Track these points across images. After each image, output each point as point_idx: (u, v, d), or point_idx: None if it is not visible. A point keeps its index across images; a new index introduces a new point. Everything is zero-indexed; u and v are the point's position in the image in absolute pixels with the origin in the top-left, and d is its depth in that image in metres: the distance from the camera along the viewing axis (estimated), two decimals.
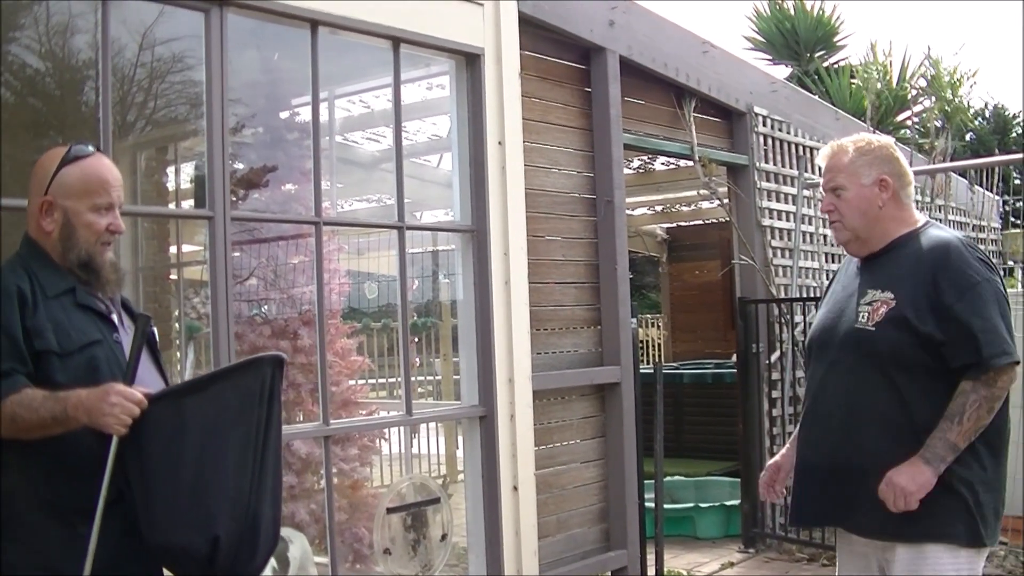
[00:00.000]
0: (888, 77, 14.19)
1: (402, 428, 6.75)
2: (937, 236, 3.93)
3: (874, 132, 7.66)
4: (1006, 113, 27.39)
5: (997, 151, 21.35)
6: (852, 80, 15.06)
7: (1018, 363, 3.72)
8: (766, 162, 9.16)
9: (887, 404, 3.81)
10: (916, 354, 3.75)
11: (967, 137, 23.89)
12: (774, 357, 8.90)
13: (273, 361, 3.38)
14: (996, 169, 11.71)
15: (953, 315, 3.69)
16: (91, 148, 3.43)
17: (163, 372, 3.63)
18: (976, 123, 25.30)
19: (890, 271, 3.92)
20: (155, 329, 3.71)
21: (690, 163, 8.64)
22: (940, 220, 10.59)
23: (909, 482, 3.66)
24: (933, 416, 3.71)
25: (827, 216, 4.16)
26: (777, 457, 4.36)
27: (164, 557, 3.28)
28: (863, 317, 3.89)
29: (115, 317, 3.43)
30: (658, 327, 18.05)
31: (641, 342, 18.20)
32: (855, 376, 3.90)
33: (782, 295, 9.04)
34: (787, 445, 4.37)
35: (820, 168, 4.22)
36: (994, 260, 4.09)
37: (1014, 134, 26.60)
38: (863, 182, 3.99)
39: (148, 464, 3.21)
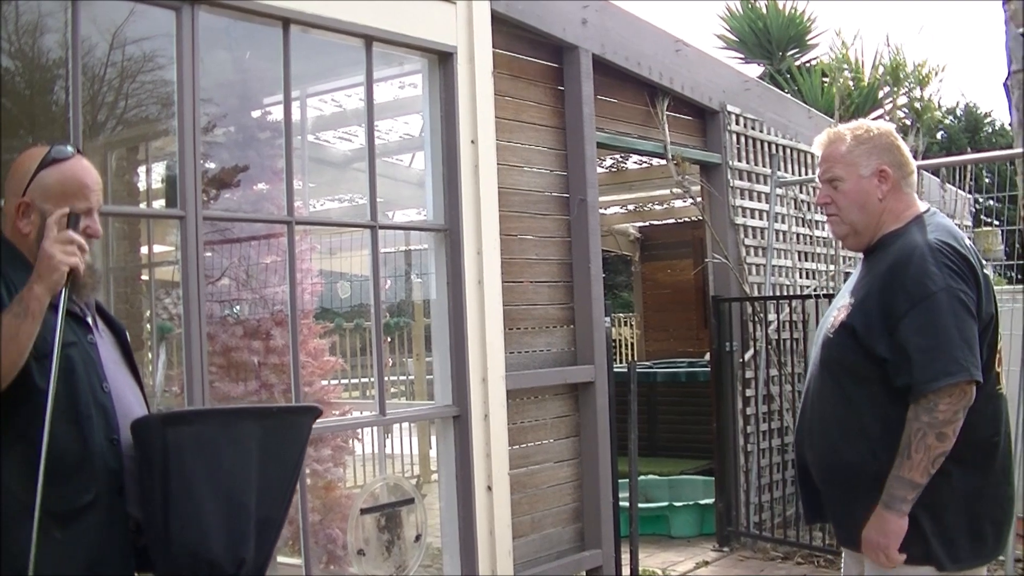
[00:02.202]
0: (859, 73, 14.22)
1: (375, 428, 6.72)
2: (910, 241, 3.68)
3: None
4: (977, 111, 27.58)
5: (969, 149, 21.45)
6: (824, 78, 15.08)
7: (967, 382, 3.46)
8: (739, 160, 9.18)
9: (841, 413, 3.72)
10: (862, 365, 3.64)
11: (939, 135, 24.02)
12: (748, 356, 8.91)
13: (318, 412, 3.78)
14: (968, 167, 11.75)
15: (898, 330, 3.52)
16: (71, 150, 3.39)
17: (137, 375, 3.63)
18: (948, 121, 25.46)
19: (865, 274, 3.80)
20: (127, 332, 3.72)
21: (663, 162, 8.65)
22: None
23: (878, 535, 3.55)
24: (883, 429, 3.60)
25: (823, 208, 3.95)
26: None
27: (186, 565, 3.30)
28: (829, 322, 3.81)
29: (89, 320, 3.41)
30: (631, 326, 18.07)
31: (614, 341, 18.25)
32: (819, 382, 3.83)
33: (755, 293, 9.05)
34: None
35: (816, 156, 3.98)
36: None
37: (984, 132, 26.79)
38: (862, 173, 3.79)
39: (195, 474, 3.30)
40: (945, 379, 3.44)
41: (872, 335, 3.60)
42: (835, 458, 3.75)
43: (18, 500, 3.13)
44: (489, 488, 6.25)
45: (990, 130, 27.09)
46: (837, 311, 3.80)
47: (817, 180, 4.01)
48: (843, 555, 4.12)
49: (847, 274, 4.23)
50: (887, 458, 3.59)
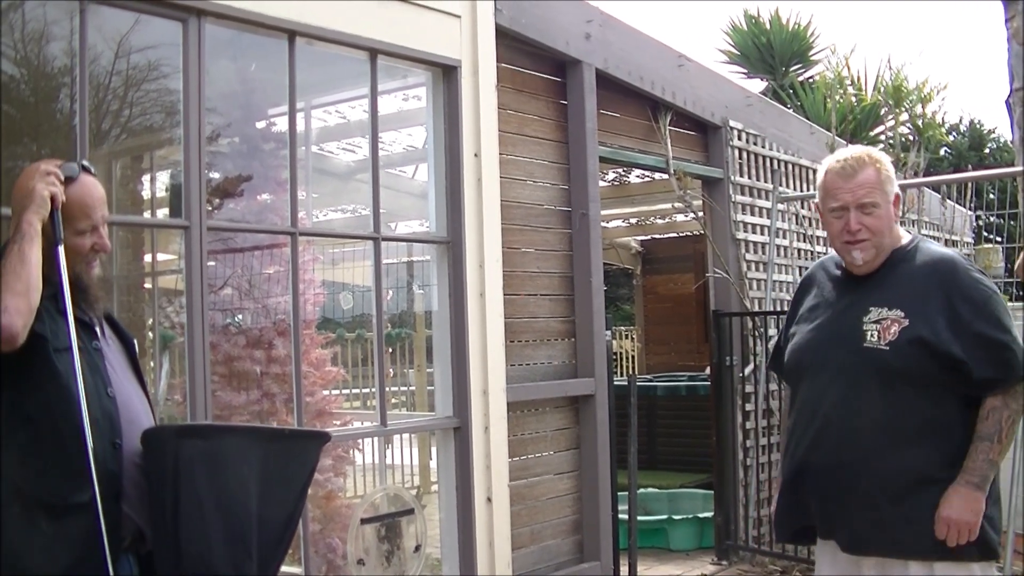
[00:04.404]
0: (860, 90, 14.24)
1: (376, 439, 6.74)
2: (938, 251, 3.91)
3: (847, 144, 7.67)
4: (981, 128, 27.56)
5: (969, 167, 21.45)
6: (827, 96, 15.12)
7: None
8: (741, 176, 9.20)
9: (900, 420, 3.75)
10: (934, 372, 3.72)
11: (943, 151, 24.01)
12: (748, 370, 8.92)
13: (327, 439, 3.96)
14: (969, 184, 11.77)
15: (974, 331, 3.69)
16: (77, 169, 3.43)
17: (144, 385, 3.67)
18: (951, 138, 25.46)
19: (893, 288, 3.86)
20: (136, 342, 3.75)
21: (665, 176, 8.67)
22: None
23: (968, 514, 3.67)
24: (943, 431, 3.74)
25: (852, 234, 3.89)
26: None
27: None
28: (872, 336, 3.80)
29: (97, 327, 3.45)
30: (632, 339, 18.07)
31: (615, 354, 18.24)
32: (869, 394, 3.81)
33: (756, 308, 9.07)
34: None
35: (841, 182, 3.92)
36: None
37: (989, 148, 26.78)
38: (890, 200, 3.93)
39: (204, 488, 3.38)
40: None
41: (943, 341, 3.70)
42: (885, 464, 3.78)
43: (12, 484, 3.17)
44: (489, 499, 6.27)
45: (994, 146, 27.08)
46: (879, 325, 3.80)
47: (840, 204, 3.95)
48: (822, 557, 4.11)
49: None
50: (945, 461, 3.75)
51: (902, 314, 3.77)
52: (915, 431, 3.74)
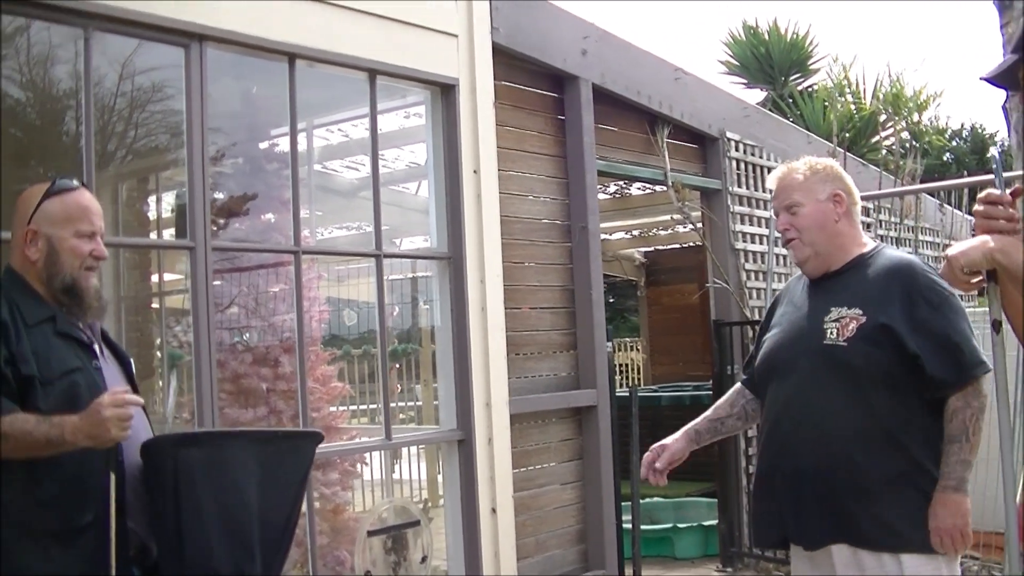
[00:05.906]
0: (860, 99, 14.31)
1: (383, 453, 6.83)
2: (897, 256, 3.98)
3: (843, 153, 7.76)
4: (983, 132, 27.62)
5: (965, 173, 21.50)
6: (826, 104, 15.18)
7: (990, 370, 3.75)
8: (739, 186, 9.27)
9: (861, 417, 3.78)
10: (890, 367, 3.75)
11: (945, 157, 24.06)
12: None
13: (320, 438, 4.03)
14: (962, 189, 11.82)
15: (929, 328, 3.72)
16: (75, 183, 3.57)
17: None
18: (953, 143, 25.52)
19: (853, 289, 3.92)
20: (132, 360, 3.85)
21: (665, 188, 8.75)
22: (911, 240, 10.72)
23: (956, 519, 3.68)
24: (904, 427, 3.75)
25: (782, 235, 4.14)
26: (666, 440, 4.35)
27: None
28: (832, 334, 3.85)
29: (96, 347, 3.54)
30: (638, 350, 18.11)
31: (623, 365, 18.29)
32: (827, 392, 3.85)
33: (756, 317, 9.13)
34: (680, 432, 4.39)
35: (771, 191, 4.21)
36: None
37: (991, 153, 26.83)
38: (819, 197, 4.01)
39: (204, 495, 3.46)
40: (983, 368, 3.75)
41: (899, 334, 3.75)
42: (862, 462, 3.79)
43: (13, 518, 3.25)
44: (493, 510, 6.36)
45: (1000, 151, 27.13)
46: (838, 323, 3.86)
47: (773, 213, 4.25)
48: (797, 561, 4.12)
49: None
50: (910, 462, 3.76)
51: (860, 312, 3.83)
52: (879, 432, 3.77)
